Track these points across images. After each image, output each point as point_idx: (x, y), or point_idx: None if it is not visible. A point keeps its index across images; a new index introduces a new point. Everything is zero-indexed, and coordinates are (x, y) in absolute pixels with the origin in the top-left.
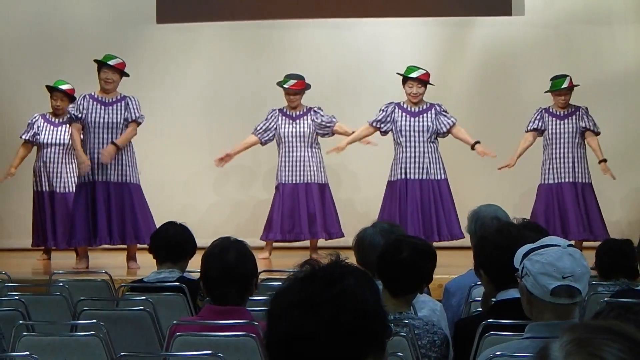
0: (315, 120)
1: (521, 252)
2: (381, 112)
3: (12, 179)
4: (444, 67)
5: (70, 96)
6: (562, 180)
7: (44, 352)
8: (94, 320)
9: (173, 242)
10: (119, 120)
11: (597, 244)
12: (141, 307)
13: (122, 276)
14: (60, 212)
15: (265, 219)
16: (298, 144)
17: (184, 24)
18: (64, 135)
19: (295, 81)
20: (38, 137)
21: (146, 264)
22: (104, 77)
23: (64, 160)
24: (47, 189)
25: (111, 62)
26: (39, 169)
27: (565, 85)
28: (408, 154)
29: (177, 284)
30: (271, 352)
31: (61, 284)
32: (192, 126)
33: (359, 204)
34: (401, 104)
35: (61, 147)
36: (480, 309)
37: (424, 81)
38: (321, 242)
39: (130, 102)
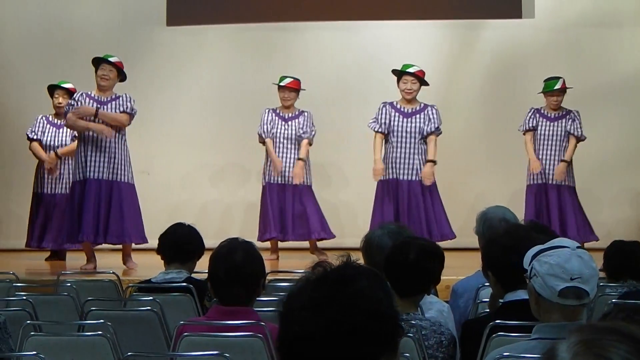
0: (300, 121)
1: (530, 253)
2: (379, 116)
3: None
4: (454, 69)
5: (72, 94)
6: (548, 182)
7: (51, 352)
8: (101, 321)
9: (181, 242)
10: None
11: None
12: (148, 308)
13: (129, 276)
14: (61, 213)
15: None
16: (289, 146)
17: (193, 27)
18: (66, 136)
19: (292, 80)
20: (41, 138)
21: (154, 265)
22: (100, 73)
23: (66, 162)
24: (49, 191)
25: (110, 59)
26: (42, 171)
27: (558, 86)
28: (398, 154)
29: (184, 284)
30: (284, 353)
31: (69, 284)
32: (200, 127)
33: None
34: (394, 103)
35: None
36: (488, 310)
37: (419, 78)
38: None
39: (122, 98)
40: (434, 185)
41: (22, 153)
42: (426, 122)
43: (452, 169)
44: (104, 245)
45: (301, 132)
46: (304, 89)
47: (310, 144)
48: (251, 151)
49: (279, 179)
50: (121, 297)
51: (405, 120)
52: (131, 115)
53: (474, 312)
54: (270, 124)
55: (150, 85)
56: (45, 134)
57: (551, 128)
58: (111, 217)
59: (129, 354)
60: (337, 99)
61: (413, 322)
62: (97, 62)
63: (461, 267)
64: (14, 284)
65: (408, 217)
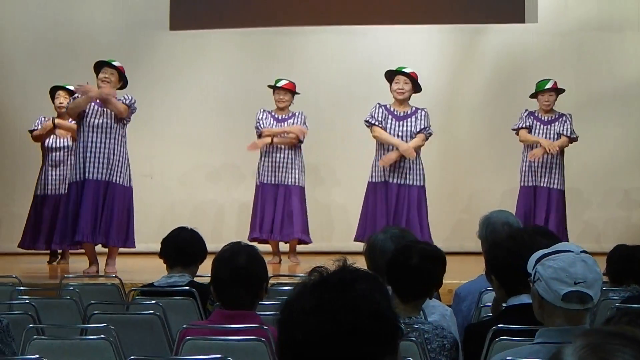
0: (291, 122)
1: (534, 258)
2: (375, 112)
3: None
4: (457, 74)
5: (73, 95)
6: (539, 184)
7: (54, 356)
8: (104, 324)
9: (183, 246)
10: (112, 121)
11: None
12: (151, 311)
13: (132, 280)
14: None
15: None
16: (281, 146)
17: (197, 31)
18: (68, 138)
19: (287, 82)
20: (45, 138)
21: (156, 269)
22: (102, 76)
23: (68, 163)
24: (52, 192)
25: (112, 63)
26: (45, 173)
27: (549, 86)
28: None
29: (187, 288)
30: (284, 359)
31: (71, 287)
32: (202, 131)
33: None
34: (387, 106)
35: (65, 150)
36: (491, 314)
37: (411, 79)
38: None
39: (123, 97)
40: (422, 191)
41: (24, 155)
42: (416, 125)
43: (456, 173)
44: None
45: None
46: (299, 93)
47: (300, 138)
48: (254, 154)
49: (272, 179)
50: (124, 300)
51: (397, 123)
52: (130, 108)
53: (477, 316)
54: (265, 120)
55: (153, 89)
56: (48, 135)
57: (544, 131)
58: (104, 219)
59: (131, 357)
60: (340, 103)
61: (416, 325)
62: (99, 65)
63: (463, 272)
64: (16, 288)
65: (394, 220)
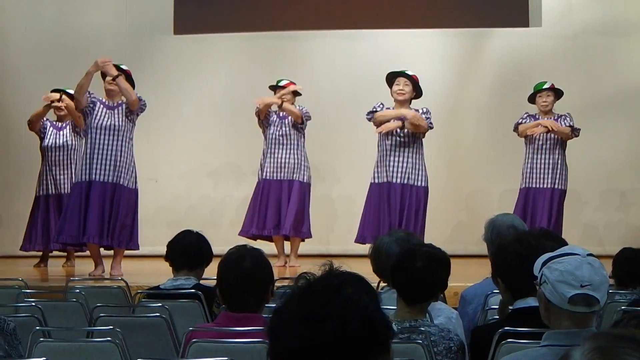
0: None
1: (540, 260)
2: (377, 106)
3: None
4: (461, 78)
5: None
6: (541, 186)
7: (60, 358)
8: (111, 327)
9: (189, 249)
10: (120, 123)
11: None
12: (157, 314)
13: (138, 283)
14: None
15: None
16: (284, 142)
17: (201, 35)
18: (67, 137)
19: (288, 81)
20: (43, 138)
21: (162, 271)
22: (109, 78)
23: (69, 162)
24: (54, 191)
25: (120, 66)
26: (45, 173)
27: (546, 86)
28: (392, 158)
29: (193, 291)
30: None
31: (77, 290)
32: (207, 135)
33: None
34: (390, 108)
35: (65, 150)
36: (497, 317)
37: (412, 81)
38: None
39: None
40: (423, 191)
41: (30, 160)
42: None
43: (460, 177)
44: (110, 252)
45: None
46: (300, 94)
47: (301, 117)
48: (257, 157)
49: (276, 175)
50: (130, 303)
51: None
52: (140, 101)
53: (483, 319)
54: (270, 112)
55: (157, 93)
56: (47, 135)
57: (544, 134)
58: (111, 221)
59: None
60: (343, 106)
61: (422, 328)
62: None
63: (469, 275)
64: (22, 290)
65: (397, 221)
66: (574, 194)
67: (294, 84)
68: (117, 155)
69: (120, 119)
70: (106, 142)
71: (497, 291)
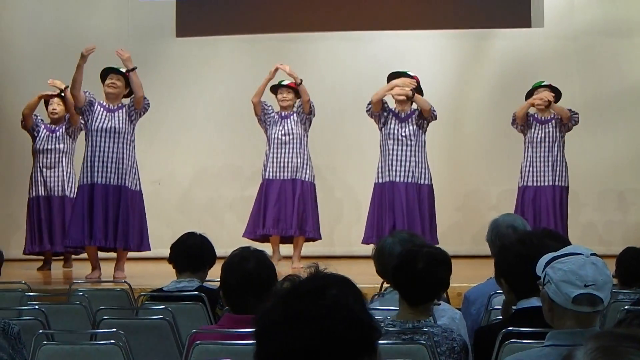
0: (298, 114)
1: (544, 260)
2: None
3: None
4: (463, 78)
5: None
6: (542, 184)
7: None
8: (114, 329)
9: (192, 251)
10: (121, 125)
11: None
12: (161, 316)
13: (141, 285)
14: (58, 215)
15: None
16: (286, 140)
17: (203, 38)
18: (60, 139)
19: (290, 81)
20: (36, 139)
21: (165, 274)
22: (108, 82)
23: (60, 165)
24: (43, 193)
25: (120, 69)
26: (36, 175)
27: (545, 84)
28: (395, 157)
29: (196, 293)
30: None
31: (81, 293)
32: (211, 137)
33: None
34: (393, 108)
35: (56, 152)
36: (500, 317)
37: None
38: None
39: (129, 102)
40: (427, 189)
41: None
42: (417, 122)
43: (463, 177)
44: (110, 254)
45: (299, 106)
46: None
47: (310, 104)
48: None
49: (279, 174)
50: (133, 305)
51: (400, 124)
52: (145, 99)
53: (487, 319)
54: (270, 114)
55: (160, 96)
56: (39, 137)
57: (543, 130)
58: (119, 223)
59: None
60: (348, 108)
61: (425, 329)
62: (106, 72)
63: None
64: (26, 294)
65: (406, 219)
66: (573, 194)
67: (296, 85)
68: (120, 158)
69: (121, 122)
70: (108, 145)
71: (501, 291)
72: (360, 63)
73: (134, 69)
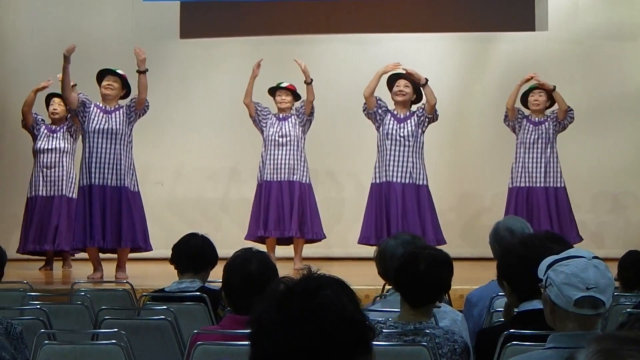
0: (297, 115)
1: (545, 263)
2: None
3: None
4: (467, 82)
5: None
6: (534, 185)
7: None
8: (115, 329)
9: (194, 252)
10: (118, 127)
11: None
12: (162, 317)
13: (143, 285)
14: (58, 215)
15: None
16: (283, 142)
17: (207, 39)
18: (60, 140)
19: (289, 83)
20: (36, 139)
21: (166, 274)
22: (105, 83)
23: (61, 164)
24: (44, 193)
25: (116, 71)
26: (36, 175)
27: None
28: (393, 158)
29: (198, 293)
30: None
31: (82, 293)
32: (214, 138)
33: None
34: (392, 110)
35: (57, 152)
36: (502, 319)
37: (413, 83)
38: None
39: (127, 104)
40: (426, 190)
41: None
42: (417, 121)
43: (465, 180)
44: (112, 255)
45: (300, 107)
46: (300, 96)
47: (312, 103)
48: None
49: (276, 176)
50: (135, 306)
51: (398, 125)
52: (146, 101)
53: (488, 321)
54: (267, 116)
55: (163, 97)
56: (40, 137)
57: (536, 132)
58: (123, 222)
59: None
60: (352, 110)
61: (426, 331)
62: (102, 74)
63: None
64: (27, 293)
65: (402, 220)
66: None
67: (294, 87)
68: (118, 159)
69: (119, 123)
70: (105, 146)
71: (503, 294)
72: (362, 66)
73: (145, 71)
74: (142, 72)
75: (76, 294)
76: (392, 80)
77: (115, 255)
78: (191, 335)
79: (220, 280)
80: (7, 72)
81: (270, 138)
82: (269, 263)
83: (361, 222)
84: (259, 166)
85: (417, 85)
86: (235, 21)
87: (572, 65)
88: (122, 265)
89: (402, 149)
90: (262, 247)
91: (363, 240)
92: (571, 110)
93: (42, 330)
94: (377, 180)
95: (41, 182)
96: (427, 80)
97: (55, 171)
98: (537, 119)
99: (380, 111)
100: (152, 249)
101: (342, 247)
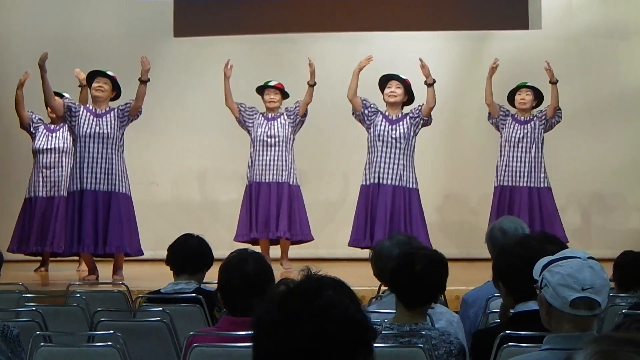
0: (288, 116)
1: (541, 264)
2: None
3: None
4: (462, 80)
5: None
6: (517, 184)
7: None
8: (111, 331)
9: (190, 253)
10: (109, 131)
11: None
12: (158, 318)
13: (138, 287)
14: (57, 215)
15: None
16: (271, 143)
17: (201, 38)
18: (60, 140)
19: (277, 82)
20: (35, 139)
21: (162, 275)
22: (96, 85)
23: (60, 164)
24: (44, 194)
25: (107, 72)
26: (36, 176)
27: (528, 85)
28: (383, 159)
29: (194, 295)
30: None
31: (78, 294)
32: (208, 138)
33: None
34: (383, 111)
35: (57, 152)
36: (498, 320)
37: (405, 85)
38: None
39: (119, 107)
40: (415, 193)
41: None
42: (410, 123)
43: (462, 180)
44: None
45: (293, 109)
46: (289, 95)
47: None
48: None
49: (264, 177)
50: (131, 307)
51: (390, 127)
52: (141, 108)
53: (484, 322)
54: (253, 116)
55: (157, 96)
56: (39, 137)
57: (521, 131)
58: (110, 227)
59: None
60: (347, 109)
61: (422, 332)
62: (93, 75)
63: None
64: (23, 295)
65: (390, 221)
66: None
67: (282, 85)
68: (110, 164)
69: (110, 126)
70: (96, 150)
71: (499, 294)
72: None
73: (147, 81)
74: (143, 82)
75: (72, 295)
76: (383, 82)
77: (111, 258)
78: (187, 337)
79: (216, 281)
80: (2, 73)
81: (258, 138)
82: (265, 264)
83: (351, 224)
84: (247, 166)
85: (409, 87)
86: (230, 19)
87: (566, 63)
88: (118, 266)
89: (393, 150)
90: (253, 249)
91: (353, 242)
92: (560, 109)
93: (38, 332)
94: (367, 182)
95: (41, 183)
96: (434, 81)
97: (55, 172)
98: (523, 117)
99: (367, 112)
100: (142, 254)
101: (331, 248)
